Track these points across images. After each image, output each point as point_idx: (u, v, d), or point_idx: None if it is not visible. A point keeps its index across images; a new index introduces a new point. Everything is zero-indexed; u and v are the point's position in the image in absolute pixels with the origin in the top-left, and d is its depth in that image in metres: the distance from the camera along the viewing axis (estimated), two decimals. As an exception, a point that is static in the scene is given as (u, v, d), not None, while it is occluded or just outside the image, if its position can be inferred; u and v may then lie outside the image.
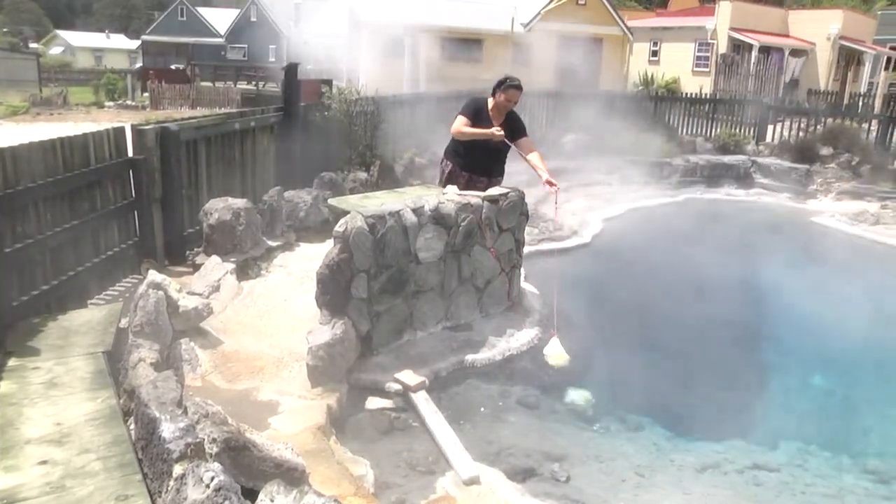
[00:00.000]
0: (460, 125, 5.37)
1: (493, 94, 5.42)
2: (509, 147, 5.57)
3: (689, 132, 14.40)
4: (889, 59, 28.79)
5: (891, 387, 5.02)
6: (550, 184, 5.19)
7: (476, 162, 5.46)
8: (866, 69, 26.35)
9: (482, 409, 4.19)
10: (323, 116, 8.24)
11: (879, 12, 36.43)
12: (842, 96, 18.12)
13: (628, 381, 4.91)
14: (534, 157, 5.40)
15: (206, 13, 49.60)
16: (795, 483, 3.76)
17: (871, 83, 25.87)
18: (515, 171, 5.91)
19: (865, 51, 26.25)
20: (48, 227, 4.40)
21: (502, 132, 5.24)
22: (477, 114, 5.37)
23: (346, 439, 3.68)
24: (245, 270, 5.49)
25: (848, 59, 26.28)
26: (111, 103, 26.77)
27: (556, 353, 4.83)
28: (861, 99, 14.99)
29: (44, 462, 2.66)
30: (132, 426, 2.90)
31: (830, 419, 4.56)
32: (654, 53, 25.65)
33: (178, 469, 2.35)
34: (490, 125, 5.39)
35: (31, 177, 4.22)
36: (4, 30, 48.41)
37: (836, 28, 24.45)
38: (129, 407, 3.11)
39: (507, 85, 5.36)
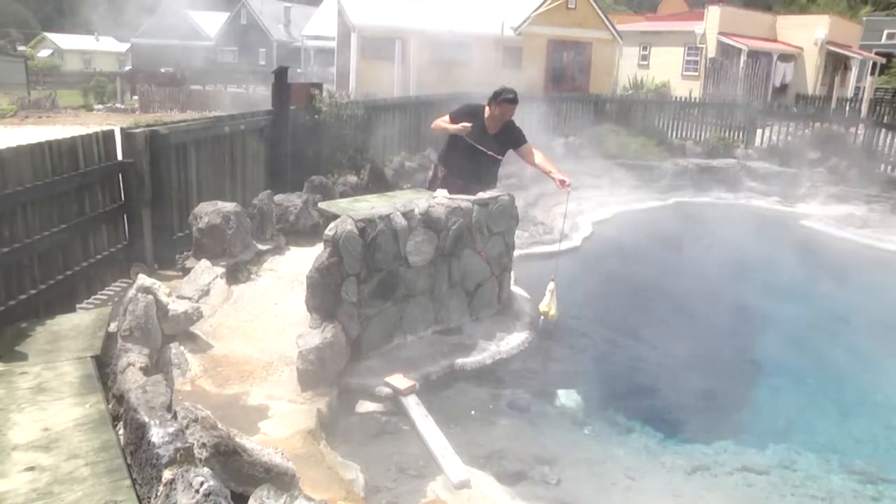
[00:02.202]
0: (439, 121, 5.51)
1: (489, 105, 5.45)
2: (502, 157, 5.60)
3: (679, 136, 14.48)
4: (875, 65, 29.09)
5: (878, 388, 5.06)
6: (563, 183, 5.23)
7: (471, 168, 5.49)
8: (853, 74, 26.62)
9: (472, 412, 4.20)
10: (313, 120, 8.23)
11: (865, 18, 36.87)
12: (829, 101, 18.27)
13: (619, 383, 4.93)
14: (539, 158, 5.45)
15: (196, 16, 49.41)
16: (785, 485, 3.79)
17: (857, 88, 26.14)
18: (506, 175, 5.94)
19: (852, 56, 26.51)
20: (36, 231, 4.37)
21: (469, 127, 5.28)
22: (469, 120, 5.38)
23: (337, 443, 3.67)
24: (235, 274, 5.47)
25: (835, 64, 26.53)
26: (100, 106, 26.66)
27: (547, 304, 5.24)
28: (848, 103, 15.12)
29: (31, 468, 2.64)
30: (121, 431, 2.88)
31: (819, 421, 4.59)
32: (644, 57, 25.81)
33: (167, 474, 2.34)
34: (484, 132, 5.42)
35: (19, 180, 4.20)
36: (-8, 32, 48.10)
37: (823, 33, 24.69)
38: (117, 412, 3.09)
39: (502, 99, 5.38)
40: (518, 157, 5.63)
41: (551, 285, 5.29)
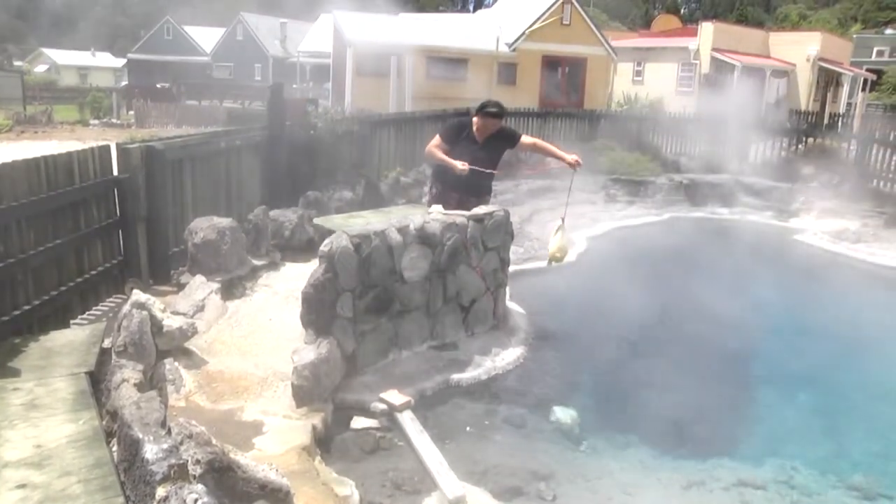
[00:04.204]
0: (432, 147, 5.46)
1: (475, 116, 5.49)
2: (496, 166, 5.62)
3: (673, 151, 14.54)
4: (865, 81, 29.43)
5: (874, 403, 5.06)
6: (575, 163, 5.43)
7: (465, 182, 5.49)
8: (844, 90, 26.88)
9: (468, 428, 4.18)
10: (308, 135, 8.26)
11: (854, 36, 37.33)
12: (822, 116, 18.41)
13: (615, 399, 4.92)
14: (541, 144, 5.64)
15: (193, 32, 49.64)
16: (782, 500, 3.77)
17: (849, 104, 26.38)
18: (501, 191, 5.96)
19: (843, 72, 26.78)
20: (31, 247, 4.36)
21: (466, 168, 5.26)
22: (458, 135, 5.41)
23: (331, 459, 3.66)
24: (230, 290, 5.46)
25: (827, 80, 26.78)
26: (96, 121, 26.68)
27: (555, 245, 5.22)
28: (840, 119, 15.24)
29: (22, 486, 2.61)
30: (115, 448, 2.86)
31: (815, 436, 4.59)
32: (638, 73, 25.97)
33: (161, 491, 2.33)
34: (474, 144, 5.44)
35: (15, 196, 4.20)
36: (-11, 48, 48.21)
37: (815, 50, 24.94)
38: (111, 428, 3.07)
39: (485, 113, 5.41)
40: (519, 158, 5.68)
41: (559, 223, 5.32)
